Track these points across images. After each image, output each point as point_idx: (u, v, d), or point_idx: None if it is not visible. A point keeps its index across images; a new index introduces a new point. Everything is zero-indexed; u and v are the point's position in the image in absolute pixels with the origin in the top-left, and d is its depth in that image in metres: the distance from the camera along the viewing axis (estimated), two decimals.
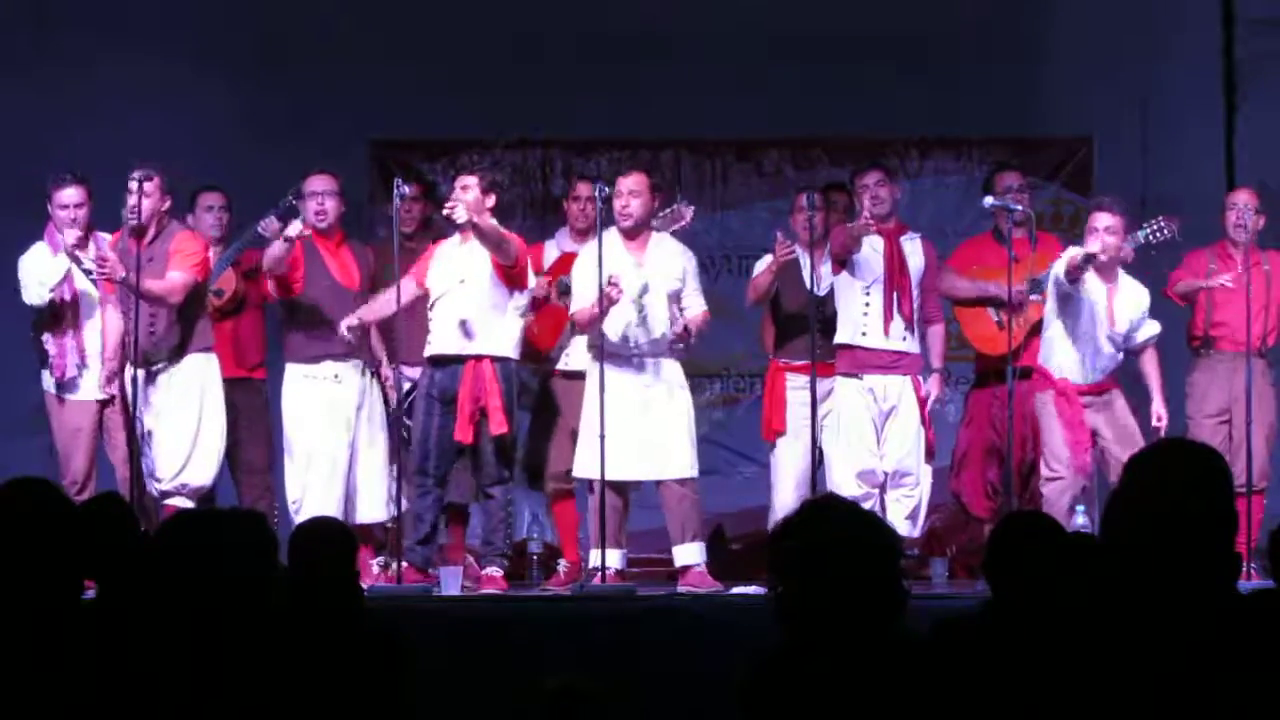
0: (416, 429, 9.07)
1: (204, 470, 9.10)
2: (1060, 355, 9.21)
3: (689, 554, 9.07)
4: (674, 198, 9.76)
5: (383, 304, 9.09)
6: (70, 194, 9.15)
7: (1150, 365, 9.36)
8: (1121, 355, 9.31)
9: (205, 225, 9.70)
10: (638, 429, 8.97)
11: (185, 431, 9.08)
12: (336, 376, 9.25)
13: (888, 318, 9.17)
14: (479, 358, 8.96)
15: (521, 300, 9.11)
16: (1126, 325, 9.24)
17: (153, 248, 9.04)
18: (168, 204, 9.16)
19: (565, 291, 9.48)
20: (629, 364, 9.07)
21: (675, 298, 9.15)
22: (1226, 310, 9.49)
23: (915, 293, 9.27)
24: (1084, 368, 9.21)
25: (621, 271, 8.97)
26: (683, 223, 9.40)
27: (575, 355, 9.48)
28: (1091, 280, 9.17)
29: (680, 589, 8.99)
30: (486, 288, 8.97)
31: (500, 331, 9.01)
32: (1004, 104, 11.48)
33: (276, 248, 9.09)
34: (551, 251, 9.84)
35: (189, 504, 8.95)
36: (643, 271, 9.10)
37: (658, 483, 9.13)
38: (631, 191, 9.14)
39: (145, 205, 9.02)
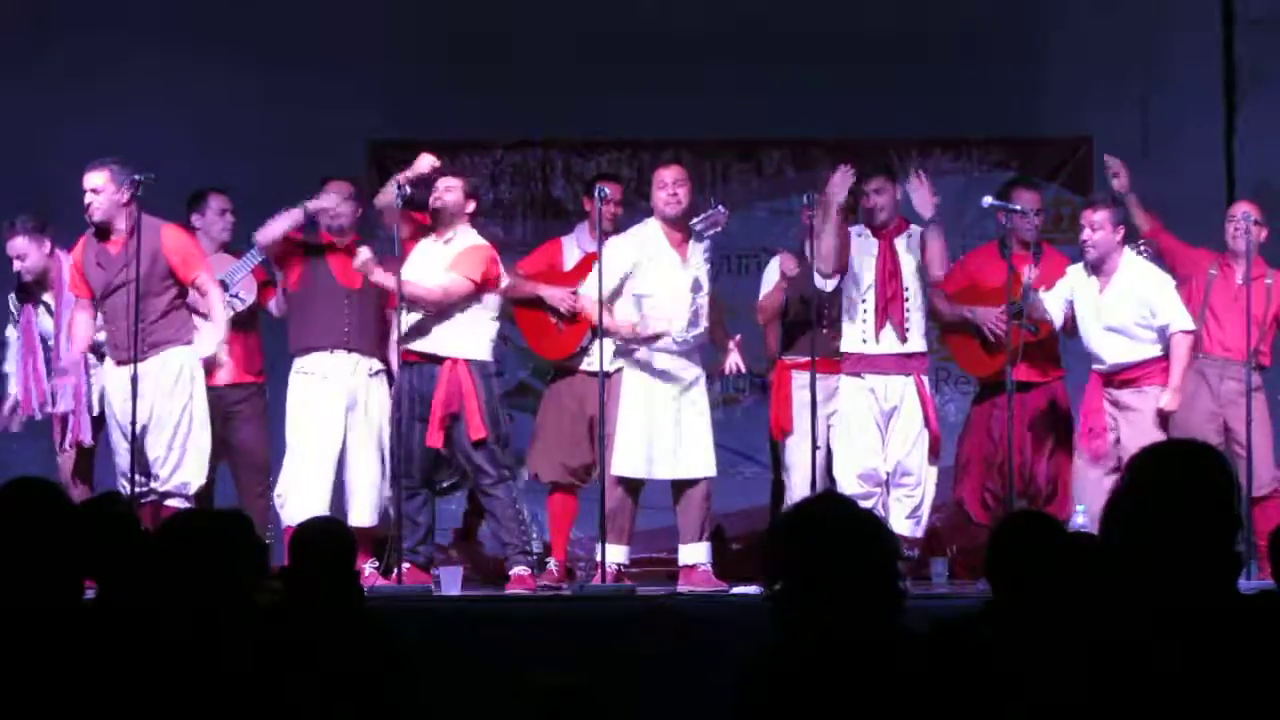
0: (396, 431, 9.08)
1: (199, 470, 9.07)
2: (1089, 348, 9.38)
3: (697, 553, 9.08)
4: (708, 203, 9.73)
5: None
6: (15, 245, 9.34)
7: (1173, 355, 9.20)
8: (1152, 346, 9.27)
9: (215, 229, 9.71)
10: (675, 426, 8.99)
11: (178, 431, 9.05)
12: (325, 374, 9.27)
13: (879, 324, 9.18)
14: (454, 360, 8.99)
15: (494, 303, 9.12)
16: (1130, 316, 9.22)
17: (130, 247, 8.83)
18: (127, 195, 8.89)
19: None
20: (672, 361, 9.07)
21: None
22: (1223, 319, 9.48)
23: (914, 294, 9.25)
24: (1097, 357, 9.29)
25: (667, 269, 8.98)
26: (719, 227, 9.41)
27: (596, 357, 9.45)
28: (1081, 278, 9.28)
29: (681, 588, 8.98)
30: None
31: (472, 335, 9.01)
32: (1004, 104, 11.47)
33: (283, 221, 9.20)
34: (572, 250, 9.80)
35: (185, 504, 8.93)
36: (690, 269, 9.13)
37: (676, 480, 9.12)
38: (677, 181, 9.18)
39: (101, 201, 8.92)
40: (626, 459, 8.99)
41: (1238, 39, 11.58)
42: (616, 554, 9.02)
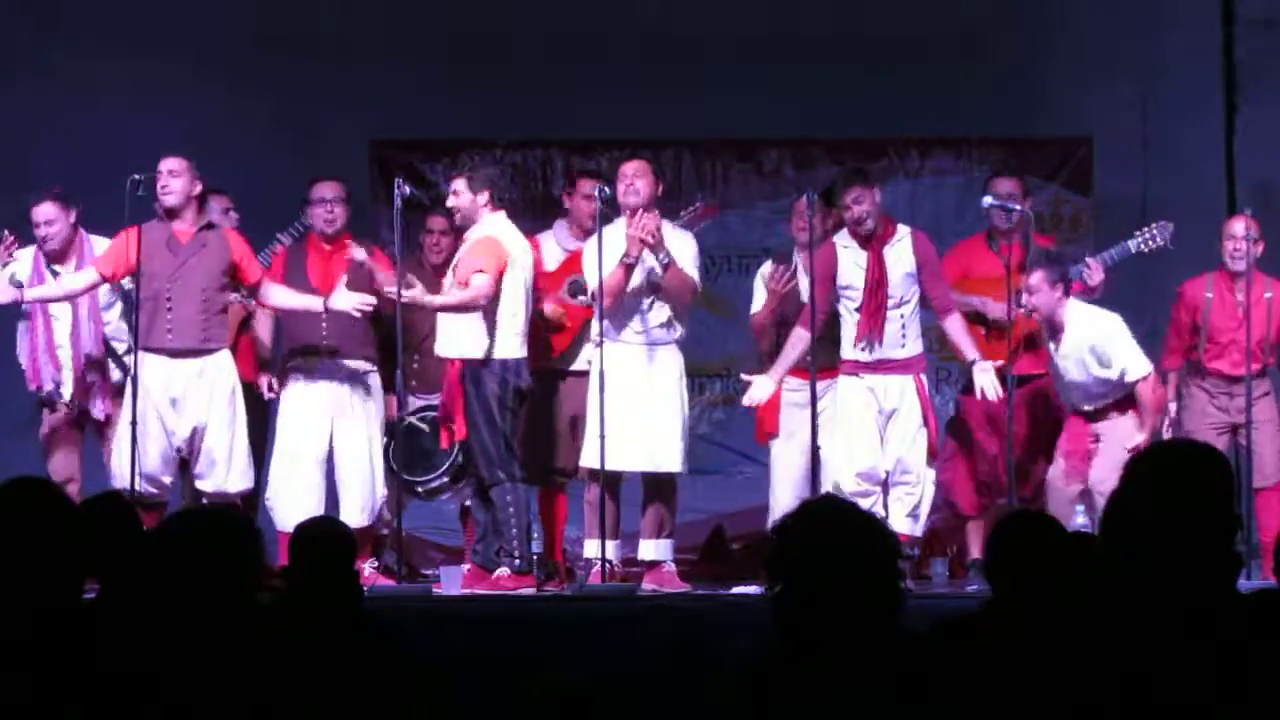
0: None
1: (249, 474, 9.17)
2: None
3: (657, 550, 9.06)
4: (694, 197, 9.65)
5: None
6: (43, 210, 9.20)
7: (1139, 402, 9.26)
8: (1109, 389, 9.28)
9: None
10: (637, 418, 8.97)
11: (237, 435, 9.11)
12: (310, 377, 9.29)
13: (860, 335, 9.11)
14: (452, 360, 9.00)
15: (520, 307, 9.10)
16: (1083, 373, 9.25)
17: (198, 237, 9.04)
18: (199, 187, 9.11)
19: (580, 291, 9.39)
20: (634, 352, 9.06)
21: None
22: (1224, 342, 9.40)
23: (907, 300, 9.19)
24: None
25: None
26: (706, 220, 9.37)
27: (582, 356, 9.41)
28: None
29: (646, 586, 8.93)
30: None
31: (466, 332, 8.95)
32: (1004, 104, 11.48)
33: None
34: (552, 248, 9.72)
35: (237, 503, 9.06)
36: (645, 268, 9.11)
37: (643, 474, 9.10)
38: (636, 173, 9.15)
39: (176, 187, 9.04)
40: (591, 451, 8.97)
41: (1238, 39, 11.59)
42: (595, 549, 8.97)
